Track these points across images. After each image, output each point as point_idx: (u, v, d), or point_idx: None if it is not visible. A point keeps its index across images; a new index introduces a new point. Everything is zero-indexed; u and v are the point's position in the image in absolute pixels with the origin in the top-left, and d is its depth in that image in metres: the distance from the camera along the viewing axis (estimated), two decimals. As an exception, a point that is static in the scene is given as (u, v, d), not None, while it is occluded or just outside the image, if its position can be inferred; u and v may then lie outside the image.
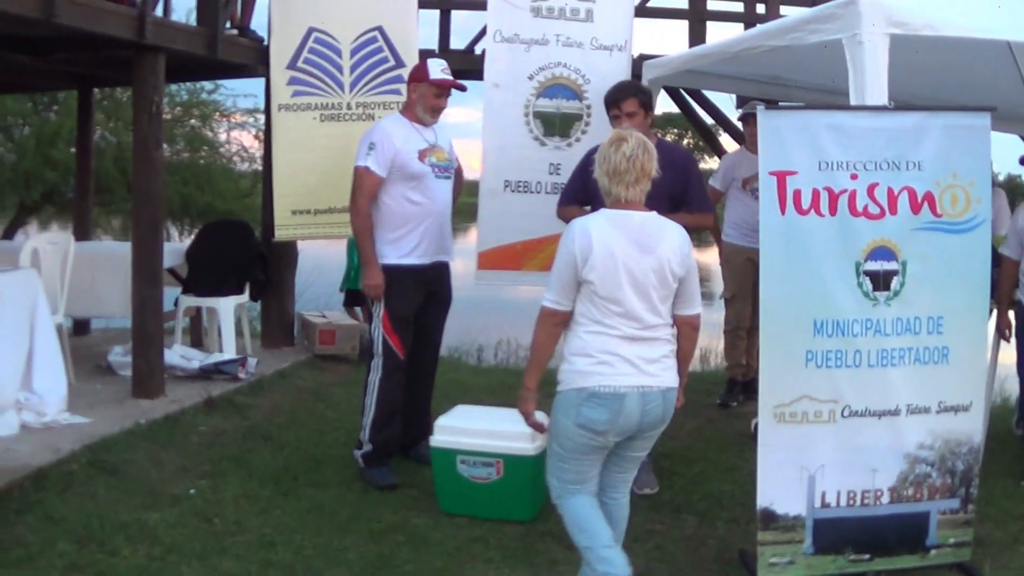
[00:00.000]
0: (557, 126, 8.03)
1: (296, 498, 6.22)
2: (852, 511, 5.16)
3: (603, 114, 8.11)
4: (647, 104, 6.32)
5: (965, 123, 5.13)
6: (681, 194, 6.13)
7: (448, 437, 6.08)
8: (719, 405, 8.84)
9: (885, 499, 5.19)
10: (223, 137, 21.55)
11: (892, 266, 5.05)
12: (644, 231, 4.54)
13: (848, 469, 5.13)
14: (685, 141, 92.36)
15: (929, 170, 5.06)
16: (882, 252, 5.02)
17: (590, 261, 4.44)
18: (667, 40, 10.66)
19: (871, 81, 5.14)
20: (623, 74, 8.25)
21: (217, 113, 20.95)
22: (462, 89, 6.79)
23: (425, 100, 6.60)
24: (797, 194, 4.91)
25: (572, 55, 8.13)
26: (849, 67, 5.27)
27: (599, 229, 4.51)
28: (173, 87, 19.20)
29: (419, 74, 6.67)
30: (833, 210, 4.94)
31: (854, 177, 4.97)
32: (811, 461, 5.08)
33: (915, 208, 5.05)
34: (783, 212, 4.90)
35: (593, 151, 5.58)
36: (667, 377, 4.60)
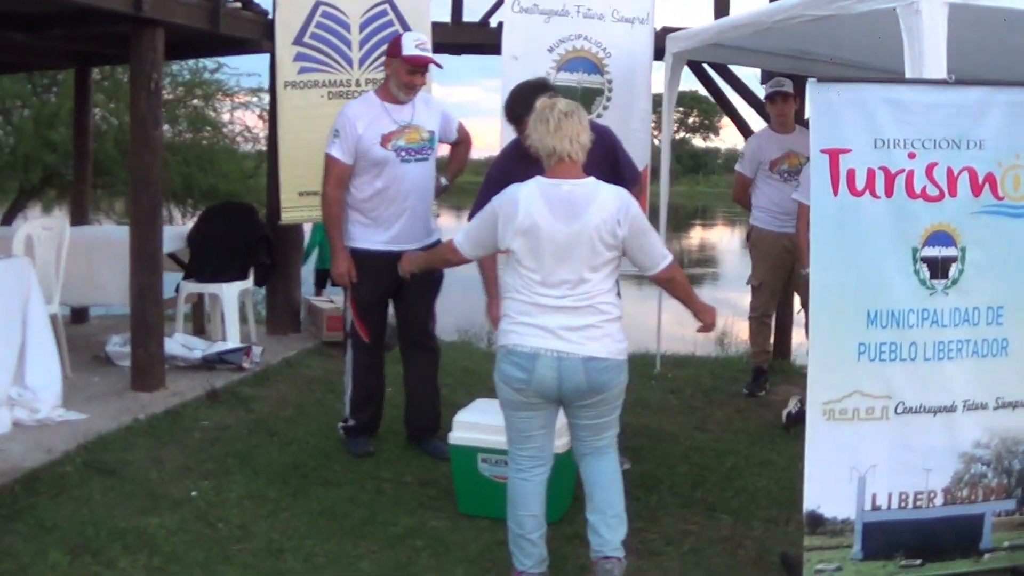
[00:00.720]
0: (578, 101, 7.60)
1: (305, 498, 5.87)
2: (904, 514, 4.79)
3: (625, 89, 7.85)
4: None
5: (1030, 100, 4.75)
6: (613, 170, 5.64)
7: (467, 434, 5.73)
8: (746, 395, 8.47)
9: (939, 501, 4.83)
10: (226, 117, 21.33)
11: (950, 252, 4.68)
12: (572, 199, 4.53)
13: (900, 469, 4.77)
14: (691, 119, 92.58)
15: (991, 150, 4.69)
16: (940, 237, 4.65)
17: (512, 229, 4.52)
18: (688, 12, 10.33)
19: (929, 53, 4.82)
20: (644, 47, 7.97)
21: (220, 93, 20.70)
22: (438, 66, 6.62)
23: (398, 76, 6.38)
24: (851, 174, 4.52)
25: (593, 27, 7.83)
26: (904, 38, 4.94)
27: (527, 198, 4.54)
28: (175, 67, 19.02)
29: (393, 48, 6.43)
30: (889, 191, 4.57)
31: (912, 156, 4.58)
32: (862, 461, 4.71)
33: (976, 190, 4.68)
34: (836, 193, 4.52)
35: (496, 166, 5.68)
36: (593, 346, 4.55)
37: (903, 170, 4.58)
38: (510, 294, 4.66)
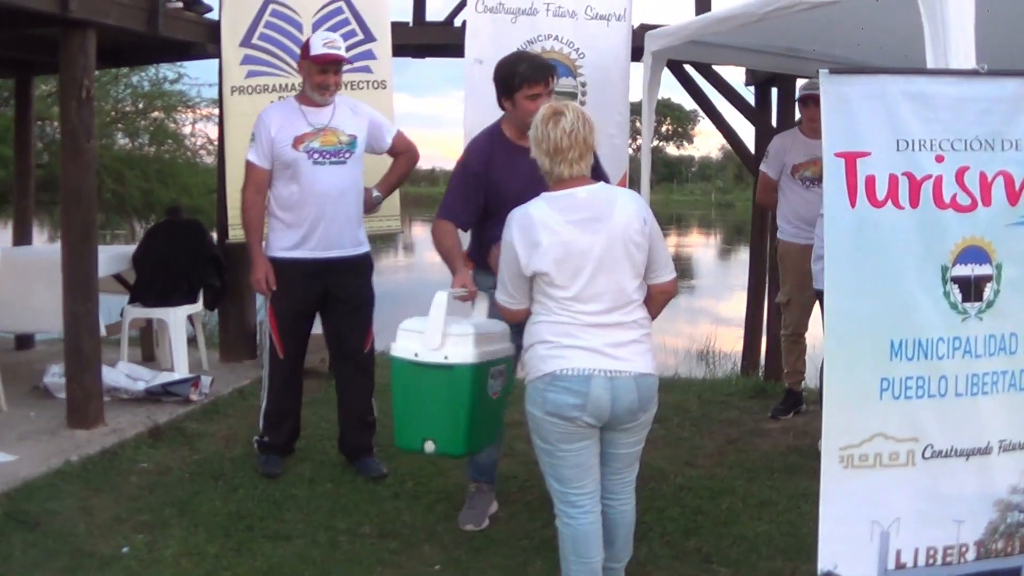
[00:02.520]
0: None
1: (250, 555, 5.19)
2: (932, 572, 4.18)
3: (601, 92, 7.27)
4: None
5: (1071, 91, 4.12)
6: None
7: (412, 344, 4.91)
8: (770, 416, 8.01)
9: (971, 555, 4.21)
10: (188, 130, 20.77)
11: (985, 270, 4.05)
12: (592, 206, 4.27)
13: (928, 522, 4.15)
14: (664, 128, 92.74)
15: (1028, 150, 4.06)
16: (973, 253, 4.02)
17: (538, 253, 4.20)
18: (668, 9, 9.76)
19: (955, 40, 4.18)
20: (622, 45, 7.45)
21: (181, 104, 20.13)
22: (348, 62, 6.43)
23: (310, 78, 6.22)
24: (871, 181, 3.89)
25: (564, 26, 7.27)
26: (925, 24, 4.32)
27: (543, 218, 4.24)
28: (135, 78, 18.50)
29: (303, 50, 6.30)
30: (915, 201, 3.93)
31: (940, 159, 3.95)
32: (885, 514, 4.10)
33: (1012, 198, 4.04)
34: (853, 204, 3.89)
35: (468, 155, 5.46)
36: (640, 362, 4.29)
37: (930, 176, 3.95)
38: (540, 319, 4.31)
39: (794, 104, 8.99)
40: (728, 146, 10.14)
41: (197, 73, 23.95)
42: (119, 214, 19.61)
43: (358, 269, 6.40)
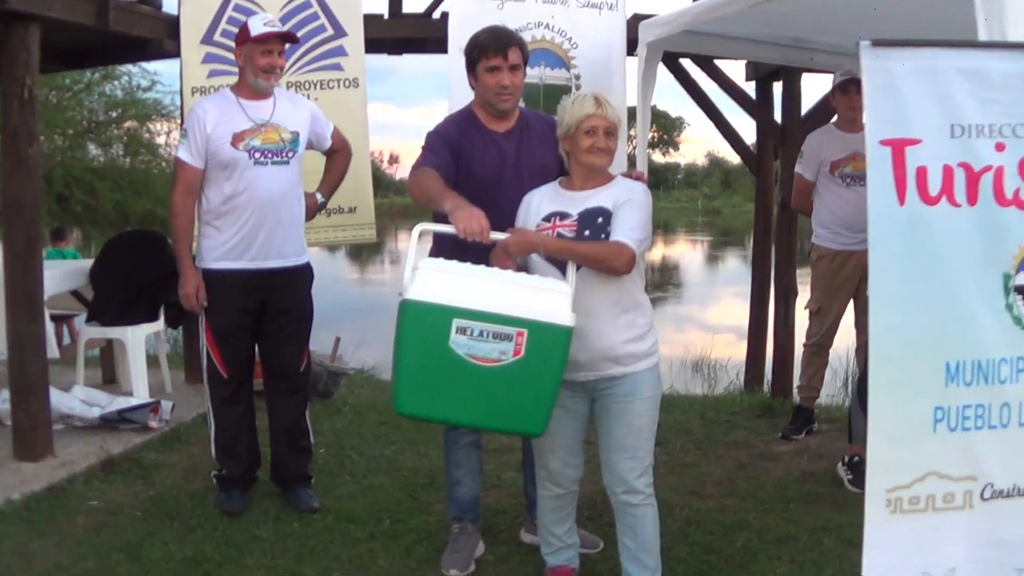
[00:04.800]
0: (540, 100, 6.65)
1: (201, 609, 4.61)
2: (991, 628, 3.65)
3: (596, 85, 6.81)
4: (527, 59, 4.97)
5: None
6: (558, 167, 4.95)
7: (438, 288, 3.98)
8: (780, 437, 7.44)
9: (1036, 608, 3.68)
10: (162, 140, 20.29)
11: (1054, 278, 3.51)
12: None
13: (988, 571, 3.67)
14: (649, 134, 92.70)
15: (1103, 136, 3.51)
16: (1039, 258, 3.48)
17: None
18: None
19: (1012, 7, 3.58)
20: (616, 36, 7.05)
21: (155, 114, 19.64)
22: (294, 40, 6.09)
23: (253, 62, 5.67)
24: (921, 173, 3.35)
25: (556, 13, 6.85)
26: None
27: None
28: (107, 87, 18.01)
29: (242, 36, 5.75)
30: (972, 197, 3.40)
31: (1000, 147, 3.43)
32: (938, 564, 3.62)
33: (1085, 192, 3.50)
34: (902, 201, 3.34)
35: (445, 127, 4.96)
36: None
37: (990, 167, 3.43)
38: (645, 299, 4.43)
39: (800, 99, 8.49)
40: (715, 153, 9.66)
41: (171, 80, 23.52)
42: (91, 226, 19.14)
43: (299, 281, 5.95)
